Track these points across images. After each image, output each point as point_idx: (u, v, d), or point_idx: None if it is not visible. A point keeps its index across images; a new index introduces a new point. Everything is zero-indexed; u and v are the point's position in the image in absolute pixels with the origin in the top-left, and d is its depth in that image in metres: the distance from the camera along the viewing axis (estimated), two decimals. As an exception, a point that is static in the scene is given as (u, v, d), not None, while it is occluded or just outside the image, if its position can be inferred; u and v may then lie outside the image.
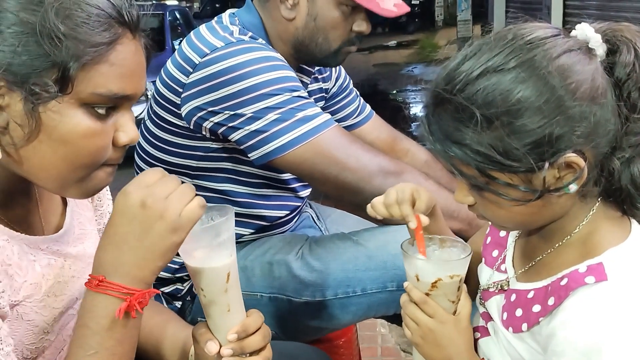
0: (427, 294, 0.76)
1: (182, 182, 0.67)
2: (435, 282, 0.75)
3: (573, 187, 0.65)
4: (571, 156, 0.63)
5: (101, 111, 0.65)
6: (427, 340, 0.77)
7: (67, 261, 0.77)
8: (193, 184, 1.19)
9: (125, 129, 0.68)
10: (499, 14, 7.51)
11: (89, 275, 0.65)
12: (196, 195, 0.67)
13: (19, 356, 0.70)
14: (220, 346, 0.75)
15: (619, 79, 0.66)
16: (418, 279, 0.76)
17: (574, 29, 0.67)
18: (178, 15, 6.50)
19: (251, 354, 0.76)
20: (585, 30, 0.66)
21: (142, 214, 0.63)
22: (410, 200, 0.81)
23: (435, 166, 1.38)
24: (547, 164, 0.63)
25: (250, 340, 0.75)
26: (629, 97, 0.66)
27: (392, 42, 12.48)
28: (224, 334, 0.75)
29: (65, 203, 0.81)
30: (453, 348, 0.76)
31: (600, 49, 0.66)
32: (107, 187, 0.93)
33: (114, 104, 0.66)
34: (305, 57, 1.22)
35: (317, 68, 1.36)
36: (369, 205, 0.83)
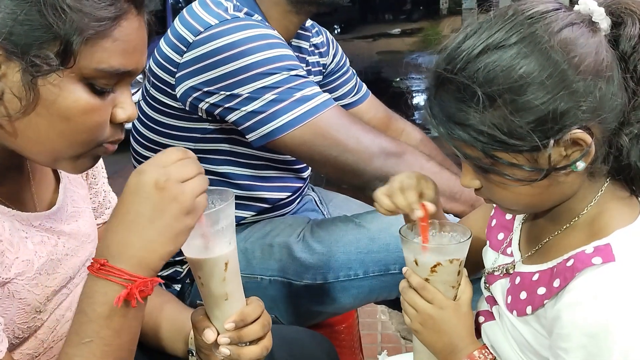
0: (426, 280, 0.75)
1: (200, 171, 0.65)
2: (435, 266, 0.74)
3: (580, 165, 0.63)
4: (577, 132, 0.62)
5: (101, 87, 0.64)
6: (426, 326, 0.75)
7: (61, 239, 0.75)
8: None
9: (124, 105, 0.67)
10: (505, 3, 7.43)
11: (92, 258, 0.63)
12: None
13: (10, 335, 0.69)
14: (219, 334, 0.73)
15: (624, 52, 0.64)
16: (417, 264, 0.75)
17: (577, 3, 0.65)
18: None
19: (250, 342, 0.74)
20: (588, 4, 0.65)
21: (155, 194, 0.61)
22: (416, 187, 0.78)
23: (429, 145, 1.37)
24: (552, 142, 0.61)
25: (249, 330, 0.74)
26: (635, 71, 0.64)
27: (396, 30, 12.42)
28: (221, 322, 0.73)
29: (58, 180, 0.80)
30: (453, 334, 0.75)
31: (604, 22, 0.64)
32: (102, 165, 0.91)
33: (115, 79, 0.65)
34: (307, 7, 1.17)
35: (313, 42, 1.33)
36: (375, 203, 0.80)
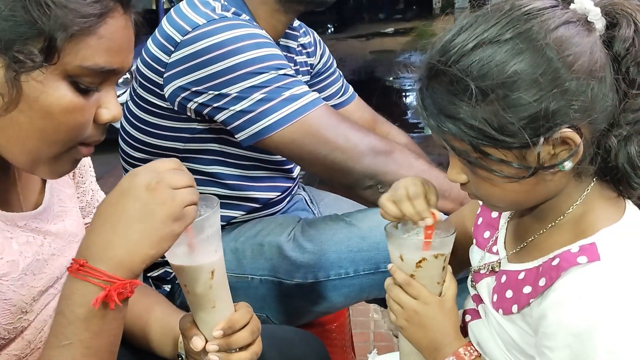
0: (411, 276, 0.75)
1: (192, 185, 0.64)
2: (420, 262, 0.74)
3: (568, 164, 0.63)
4: (567, 131, 0.61)
5: (85, 85, 0.63)
6: (412, 322, 0.76)
7: (47, 239, 0.75)
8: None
9: (109, 105, 0.66)
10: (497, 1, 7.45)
11: (72, 258, 0.62)
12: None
13: None
14: (207, 341, 0.73)
15: (617, 54, 0.64)
16: (402, 260, 0.75)
17: (573, 1, 0.65)
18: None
19: (240, 349, 0.74)
20: (584, 3, 0.64)
21: (146, 196, 0.60)
22: (424, 194, 0.77)
23: (415, 148, 1.37)
24: (542, 139, 0.61)
25: (237, 336, 0.73)
26: (628, 73, 0.64)
27: (389, 29, 12.44)
28: (209, 329, 0.73)
29: (44, 180, 0.79)
30: (438, 330, 0.75)
31: (599, 23, 0.64)
32: (90, 164, 0.91)
33: (100, 78, 0.64)
34: (294, 6, 1.17)
35: (301, 42, 1.33)
36: (380, 210, 0.79)
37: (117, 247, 0.60)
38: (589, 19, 0.64)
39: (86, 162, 0.89)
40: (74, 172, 0.87)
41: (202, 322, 0.74)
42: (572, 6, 0.65)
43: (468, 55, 0.62)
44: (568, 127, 0.61)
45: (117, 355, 0.65)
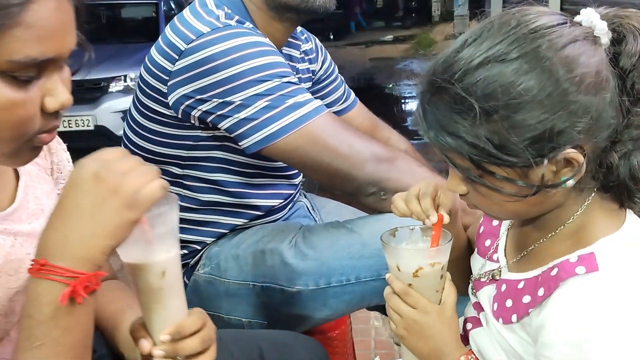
0: (409, 285, 0.75)
1: (144, 164, 0.62)
2: (417, 271, 0.74)
3: (570, 183, 0.63)
4: (570, 152, 0.61)
5: (23, 78, 0.59)
6: (411, 332, 0.75)
7: (18, 239, 0.73)
8: (184, 174, 1.19)
9: (55, 93, 0.62)
10: (496, 10, 7.50)
11: (32, 259, 0.60)
12: (160, 177, 0.62)
13: None
14: (156, 345, 0.70)
15: (623, 70, 0.63)
16: (399, 269, 0.75)
17: (579, 13, 0.64)
18: (173, 5, 6.47)
19: (189, 357, 0.71)
20: (590, 17, 0.64)
21: (95, 187, 0.58)
22: (432, 195, 0.77)
23: (415, 155, 1.37)
24: (545, 160, 0.61)
25: (186, 343, 0.70)
26: (632, 88, 0.63)
27: (389, 37, 12.49)
28: (157, 333, 0.71)
29: (17, 177, 0.77)
30: (439, 338, 0.74)
31: (605, 37, 0.63)
32: (69, 158, 0.88)
33: (36, 68, 0.60)
34: (287, 15, 1.17)
35: (303, 49, 1.34)
36: (392, 205, 0.80)
37: (74, 243, 0.58)
38: (595, 34, 0.63)
39: (64, 157, 0.86)
40: (51, 168, 0.84)
41: (151, 325, 0.71)
42: (577, 18, 0.64)
43: (472, 73, 0.61)
44: (572, 147, 0.61)
45: (91, 349, 0.64)
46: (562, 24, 0.63)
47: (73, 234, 0.58)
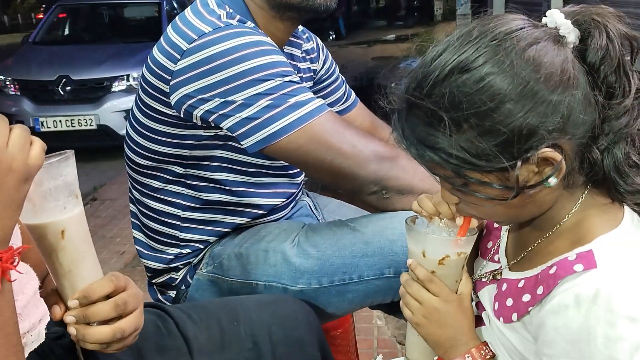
0: (432, 272, 0.75)
1: (8, 123, 0.60)
2: (443, 259, 0.74)
3: (553, 181, 0.64)
4: (546, 151, 0.62)
5: None
6: (430, 319, 0.76)
7: None
8: (187, 174, 1.19)
9: None
10: (499, 9, 7.48)
11: None
12: (34, 137, 0.62)
13: None
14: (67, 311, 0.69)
15: (592, 65, 0.64)
16: (424, 256, 0.75)
17: (545, 15, 0.66)
18: (175, 5, 6.48)
19: (104, 322, 0.69)
20: (555, 17, 0.65)
21: None
22: (458, 201, 0.76)
23: None
24: (519, 162, 0.62)
25: (95, 308, 0.68)
26: (604, 83, 0.64)
27: (391, 36, 12.48)
28: (67, 299, 0.69)
29: None
30: (457, 327, 0.75)
31: (572, 35, 0.64)
32: None
33: None
34: (288, 13, 1.17)
35: (304, 48, 1.34)
36: (415, 202, 0.80)
37: None
38: (560, 33, 0.64)
39: None
40: None
41: (61, 290, 0.69)
42: (543, 20, 0.65)
43: (439, 87, 0.63)
44: (547, 146, 0.62)
45: (19, 325, 0.63)
46: (523, 27, 0.64)
47: None
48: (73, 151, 0.65)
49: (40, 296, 0.76)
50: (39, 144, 0.61)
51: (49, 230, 0.65)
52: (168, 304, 1.24)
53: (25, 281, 0.73)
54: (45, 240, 0.66)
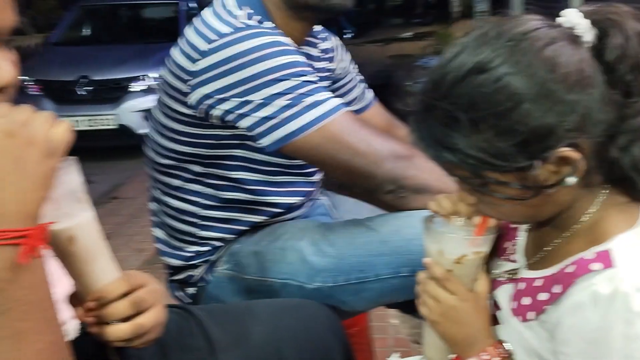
0: (448, 271, 0.76)
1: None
2: (460, 258, 0.75)
3: (571, 180, 0.64)
4: (564, 151, 0.62)
5: None
6: (447, 318, 0.76)
7: None
8: (206, 173, 1.21)
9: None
10: (518, 5, 7.39)
11: None
12: (61, 120, 0.62)
13: None
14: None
15: (609, 64, 0.64)
16: (442, 255, 0.76)
17: (561, 15, 0.66)
18: (193, 5, 6.54)
19: (123, 320, 0.71)
20: (571, 17, 0.65)
21: (8, 143, 0.57)
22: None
23: None
24: (538, 162, 0.62)
25: (113, 308, 0.70)
26: (622, 81, 0.64)
27: (408, 34, 12.41)
28: (85, 300, 0.71)
29: None
30: (473, 326, 0.76)
31: (589, 35, 0.64)
32: None
33: None
34: (305, 13, 1.18)
35: (321, 47, 1.35)
36: (432, 202, 0.80)
37: (9, 202, 0.58)
38: (577, 33, 0.64)
39: None
40: None
41: (80, 292, 0.71)
42: (559, 20, 0.65)
43: (457, 88, 0.63)
44: (565, 146, 0.62)
45: (54, 303, 0.64)
46: (539, 28, 0.64)
47: (5, 194, 0.57)
48: (76, 158, 0.66)
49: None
50: (65, 123, 0.62)
51: (56, 237, 0.67)
52: (187, 300, 1.26)
53: (57, 277, 0.75)
54: (55, 247, 0.68)
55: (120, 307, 0.71)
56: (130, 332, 0.72)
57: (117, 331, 0.71)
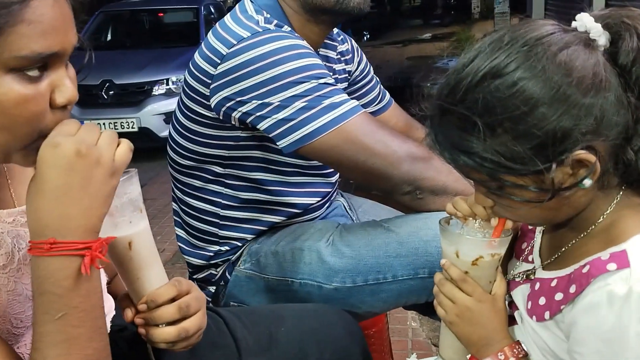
0: (465, 273, 0.76)
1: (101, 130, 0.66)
2: (476, 260, 0.75)
3: (587, 182, 0.64)
4: (580, 153, 0.63)
5: (31, 73, 0.62)
6: (463, 318, 0.77)
7: None
8: (226, 174, 1.23)
9: (62, 88, 0.65)
10: (538, 6, 7.31)
11: (30, 242, 0.62)
12: (122, 139, 0.67)
13: (8, 327, 0.71)
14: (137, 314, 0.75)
15: (623, 67, 0.64)
16: (458, 256, 0.76)
17: (574, 19, 0.66)
18: (213, 10, 6.60)
19: (170, 323, 0.75)
20: (584, 21, 0.65)
21: (79, 163, 0.62)
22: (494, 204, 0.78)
23: None
24: (554, 165, 0.63)
25: (161, 311, 0.74)
26: (636, 84, 0.64)
27: (427, 35, 12.34)
28: (136, 302, 0.75)
29: None
30: (489, 327, 0.76)
31: (602, 39, 0.65)
32: None
33: (43, 63, 0.63)
34: (322, 17, 1.20)
35: (339, 50, 1.36)
36: (449, 204, 0.81)
37: (76, 217, 0.62)
38: (591, 37, 0.64)
39: None
40: None
41: (132, 295, 0.75)
42: (573, 24, 0.66)
43: (472, 92, 0.64)
44: (581, 149, 0.62)
45: (105, 312, 0.68)
46: (553, 33, 0.64)
47: (73, 210, 0.62)
48: (136, 170, 0.71)
49: (108, 292, 0.82)
50: (126, 143, 0.67)
51: (118, 243, 0.71)
52: (208, 299, 1.28)
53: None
54: (115, 253, 0.72)
55: (169, 311, 0.75)
56: (175, 335, 0.76)
57: (163, 333, 0.76)
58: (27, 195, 0.64)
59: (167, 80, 5.16)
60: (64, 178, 0.62)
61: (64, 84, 0.65)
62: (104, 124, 4.91)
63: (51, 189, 0.62)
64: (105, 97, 5.10)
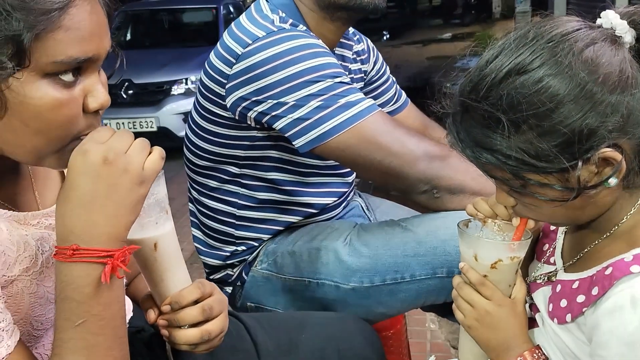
0: (484, 276, 0.75)
1: (136, 137, 0.66)
2: (495, 263, 0.74)
3: (613, 181, 0.63)
4: (606, 151, 0.61)
5: (66, 78, 0.63)
6: (482, 322, 0.76)
7: None
8: (242, 174, 1.23)
9: (94, 93, 0.66)
10: (560, 5, 7.20)
11: (56, 247, 0.63)
12: (155, 146, 0.67)
13: (30, 328, 0.72)
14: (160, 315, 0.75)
15: None
16: (476, 260, 0.75)
17: (599, 16, 0.65)
18: (232, 9, 6.63)
19: (193, 325, 0.75)
20: (610, 18, 0.64)
21: (106, 170, 0.62)
22: (515, 204, 0.76)
23: None
24: (580, 163, 0.61)
25: (184, 313, 0.74)
26: None
27: (447, 35, 12.25)
28: (160, 303, 0.75)
29: (63, 177, 0.80)
30: (509, 331, 0.75)
31: (628, 36, 0.64)
32: None
33: (78, 70, 0.64)
34: (337, 14, 1.19)
35: (355, 49, 1.35)
36: (469, 205, 0.81)
37: (101, 225, 0.62)
38: (616, 34, 0.63)
39: None
40: None
41: (155, 296, 0.76)
42: (598, 22, 0.65)
43: (497, 89, 0.63)
44: (607, 146, 0.61)
45: (126, 320, 0.68)
46: (579, 29, 0.64)
47: (98, 217, 0.62)
48: (163, 171, 0.70)
49: (126, 294, 0.83)
50: (157, 152, 0.67)
51: (143, 244, 0.72)
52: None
53: None
54: (140, 253, 0.73)
55: (192, 313, 0.75)
56: (197, 338, 0.76)
57: (186, 335, 0.76)
58: (56, 201, 0.65)
59: (186, 79, 5.20)
60: (90, 185, 0.62)
61: (97, 89, 0.66)
62: (122, 123, 4.97)
63: (78, 195, 0.63)
64: (125, 96, 5.15)
